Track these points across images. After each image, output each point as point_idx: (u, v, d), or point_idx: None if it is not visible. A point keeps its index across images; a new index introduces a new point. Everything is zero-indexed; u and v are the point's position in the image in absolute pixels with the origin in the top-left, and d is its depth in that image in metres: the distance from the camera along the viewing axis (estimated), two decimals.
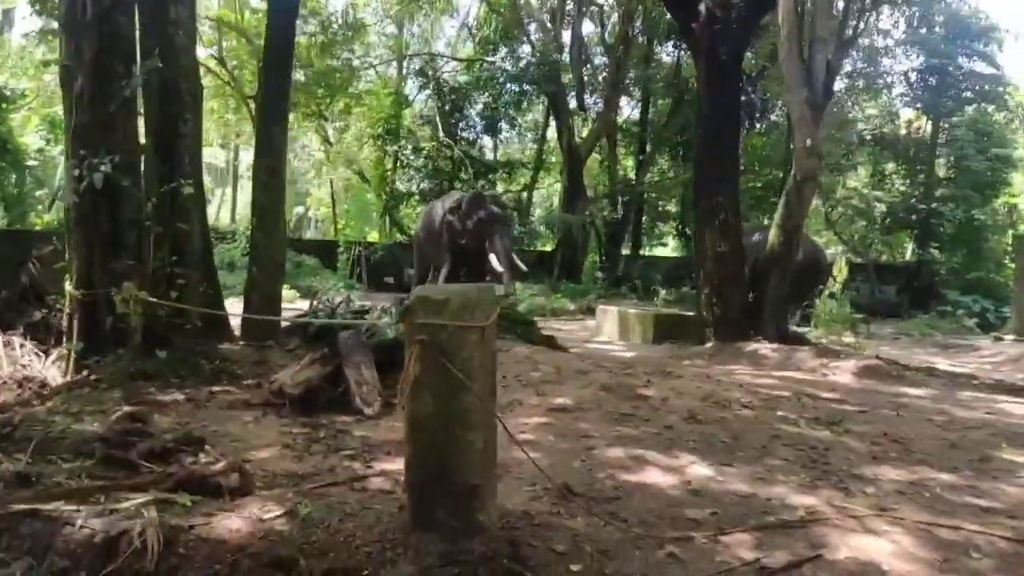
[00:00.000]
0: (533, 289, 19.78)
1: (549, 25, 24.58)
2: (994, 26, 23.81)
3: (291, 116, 22.84)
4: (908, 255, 26.48)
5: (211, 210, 36.48)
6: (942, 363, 12.35)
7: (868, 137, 25.41)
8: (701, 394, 6.12)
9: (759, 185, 21.60)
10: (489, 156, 28.29)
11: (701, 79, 10.44)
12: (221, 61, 20.11)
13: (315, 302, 8.26)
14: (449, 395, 2.96)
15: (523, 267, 13.83)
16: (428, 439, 3.02)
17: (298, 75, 20.74)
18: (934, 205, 22.68)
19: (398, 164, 23.76)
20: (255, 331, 6.97)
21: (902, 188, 25.89)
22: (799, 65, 9.35)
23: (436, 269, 14.44)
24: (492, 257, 13.34)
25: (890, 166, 26.46)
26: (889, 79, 25.96)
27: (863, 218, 25.17)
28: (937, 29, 24.42)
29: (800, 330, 13.18)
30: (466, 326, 3.00)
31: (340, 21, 20.45)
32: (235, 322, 7.59)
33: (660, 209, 27.76)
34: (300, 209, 35.61)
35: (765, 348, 9.39)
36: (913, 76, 25.32)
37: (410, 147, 23.28)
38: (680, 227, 26.94)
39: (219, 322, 6.76)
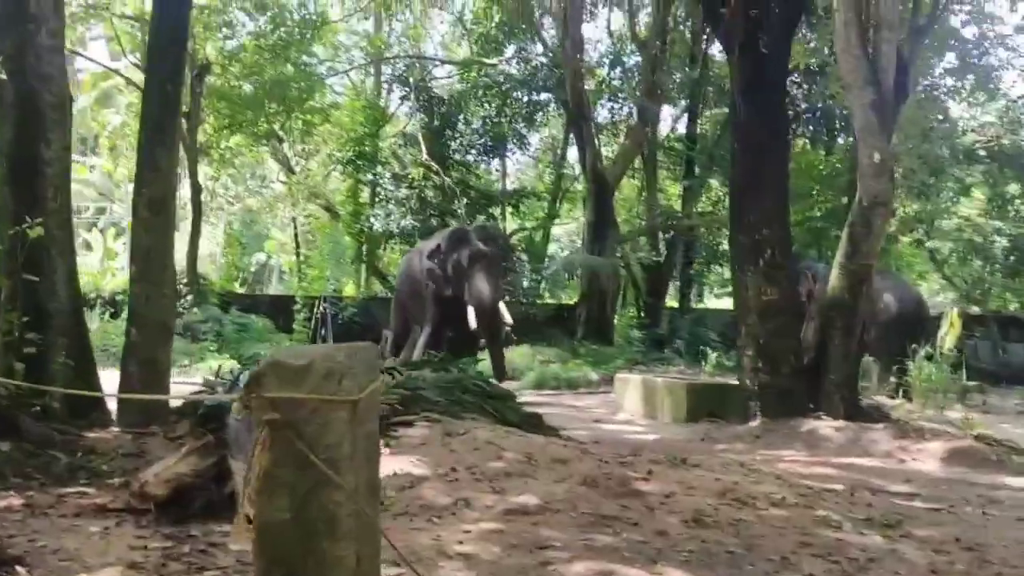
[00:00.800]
0: (546, 354, 19.68)
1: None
2: None
3: (236, 138, 23.45)
4: None
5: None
6: None
7: (982, 152, 25.28)
8: (719, 488, 5.97)
9: (819, 215, 21.36)
10: (497, 184, 28.51)
11: (736, 81, 10.42)
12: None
13: (215, 374, 8.19)
14: (310, 494, 2.85)
15: (508, 320, 13.73)
16: (282, 552, 2.90)
17: (245, 86, 21.12)
18: None
19: (376, 196, 23.92)
20: (134, 413, 6.82)
21: None
22: (861, 59, 9.30)
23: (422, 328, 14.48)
24: (469, 310, 13.33)
25: (1013, 188, 26.26)
26: (1007, 76, 25.94)
27: (979, 256, 24.93)
28: None
29: (890, 402, 13.04)
30: (332, 400, 2.90)
31: (295, 17, 20.76)
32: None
33: (716, 248, 27.62)
34: (261, 256, 35.86)
35: (827, 426, 9.21)
36: None
37: (389, 174, 23.44)
38: None
39: (89, 402, 6.65)
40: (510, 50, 25.01)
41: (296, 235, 31.56)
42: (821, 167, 19.08)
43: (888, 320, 17.54)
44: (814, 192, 17.57)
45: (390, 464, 5.63)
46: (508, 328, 14.04)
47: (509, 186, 32.33)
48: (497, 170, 28.85)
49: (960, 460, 8.27)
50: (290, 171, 28.92)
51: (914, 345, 13.93)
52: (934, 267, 27.38)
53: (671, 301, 26.25)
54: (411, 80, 24.78)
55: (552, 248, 31.75)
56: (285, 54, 20.91)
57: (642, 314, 25.11)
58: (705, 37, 23.61)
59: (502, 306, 13.82)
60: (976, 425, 11.47)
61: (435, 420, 6.32)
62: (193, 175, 21.06)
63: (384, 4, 24.34)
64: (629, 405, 12.18)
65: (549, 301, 27.80)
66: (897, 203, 29.72)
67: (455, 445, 6.02)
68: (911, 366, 13.04)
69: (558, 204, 28.32)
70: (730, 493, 5.88)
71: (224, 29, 19.91)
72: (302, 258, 30.44)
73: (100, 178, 32.04)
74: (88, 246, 28.72)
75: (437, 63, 26.79)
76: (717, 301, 31.70)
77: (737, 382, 10.81)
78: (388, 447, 5.84)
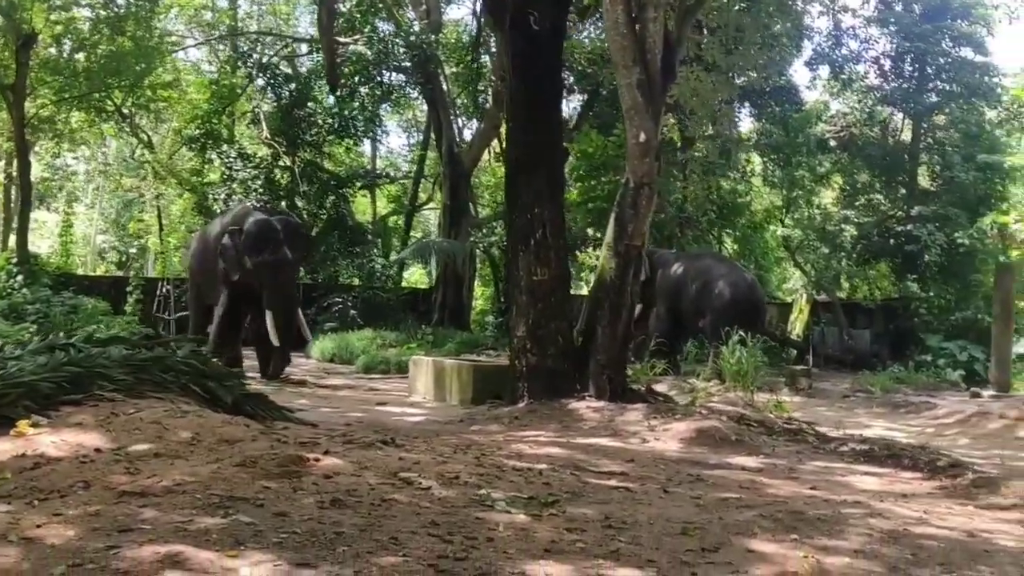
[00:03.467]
0: (387, 338, 19.46)
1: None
2: (979, 1, 24.39)
3: (78, 114, 22.66)
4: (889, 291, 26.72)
5: None
6: (879, 426, 12.45)
7: (832, 143, 25.76)
8: (395, 468, 5.82)
9: (602, 195, 20.64)
10: (359, 167, 28.14)
11: (508, 59, 10.29)
12: None
13: None
14: None
15: (307, 334, 13.59)
16: None
17: (78, 59, 20.38)
18: (910, 227, 22.90)
19: (224, 176, 23.35)
20: None
21: (882, 206, 26.27)
22: (628, 38, 9.24)
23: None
24: (267, 316, 13.04)
25: (863, 178, 26.82)
26: (858, 68, 26.43)
27: (828, 245, 25.42)
28: (915, 7, 24.98)
29: (702, 385, 13.10)
30: None
31: None
32: None
33: (585, 231, 27.64)
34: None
35: (587, 407, 9.17)
36: (887, 64, 25.82)
37: (235, 153, 22.89)
38: None
39: None
40: (364, 32, 24.58)
41: (160, 215, 30.76)
42: (602, 148, 19.06)
43: (721, 305, 17.76)
44: (598, 173, 17.58)
45: (25, 445, 5.34)
46: (308, 339, 13.78)
47: (379, 169, 32.13)
48: (353, 152, 28.41)
49: (701, 440, 8.28)
50: (149, 147, 28.19)
51: (745, 330, 14.10)
52: (787, 254, 27.87)
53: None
54: (250, 56, 24.18)
55: (419, 234, 31.57)
56: (121, 27, 20.17)
57: (501, 299, 24.98)
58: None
59: (300, 316, 13.62)
60: (786, 408, 11.71)
61: (107, 400, 6.02)
62: (21, 151, 20.25)
63: None
64: (421, 388, 12.03)
65: (408, 286, 27.60)
66: (756, 193, 30.44)
67: (115, 425, 5.73)
68: (724, 350, 13.13)
69: (420, 188, 28.02)
70: (403, 473, 5.74)
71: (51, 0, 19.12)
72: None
73: None
74: None
75: (288, 40, 26.22)
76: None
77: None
78: (35, 427, 5.52)
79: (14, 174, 20.91)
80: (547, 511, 5.21)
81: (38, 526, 4.27)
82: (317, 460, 5.80)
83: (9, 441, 5.38)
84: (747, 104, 26.78)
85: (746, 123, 28.79)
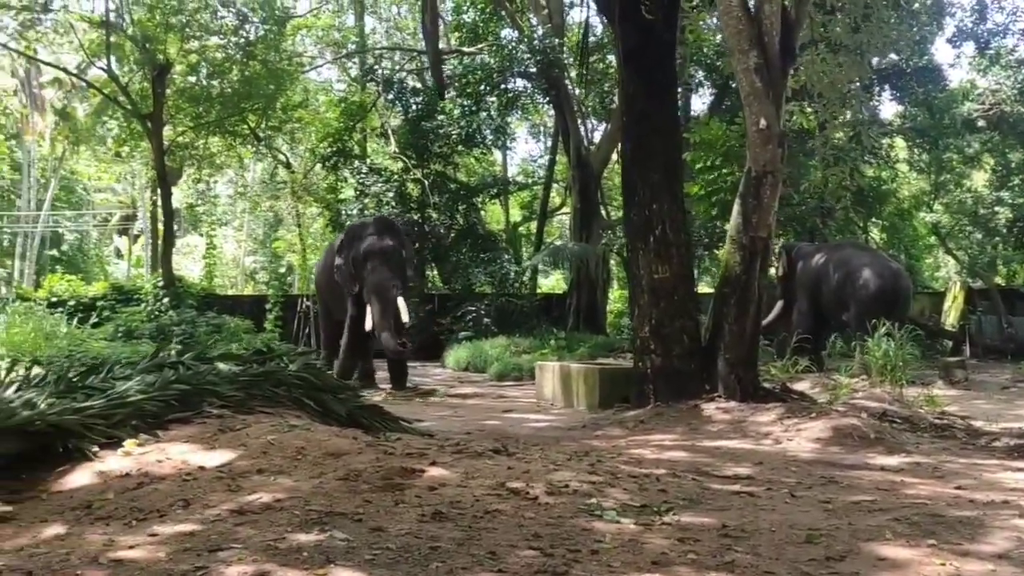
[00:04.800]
0: (521, 344, 19.35)
1: (543, 1, 24.40)
2: None
3: (214, 139, 23.41)
4: None
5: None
6: None
7: (982, 122, 24.44)
8: (503, 478, 5.61)
9: (726, 187, 19.42)
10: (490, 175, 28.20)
11: (618, 50, 9.98)
12: (111, 74, 20.41)
13: None
14: None
15: (405, 317, 13.26)
16: None
17: (212, 86, 21.02)
18: None
19: (357, 192, 23.70)
20: None
21: None
22: (744, 20, 8.83)
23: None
24: (368, 308, 12.97)
25: (1016, 157, 25.41)
26: (1005, 42, 25.08)
27: (981, 229, 24.13)
28: None
29: (848, 380, 12.50)
30: None
31: (259, 13, 20.55)
32: None
33: (716, 229, 27.05)
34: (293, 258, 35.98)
35: (716, 408, 8.80)
36: None
37: (366, 168, 23.22)
38: None
39: None
40: (488, 40, 24.66)
41: (300, 234, 31.54)
42: (723, 138, 18.28)
43: (865, 297, 16.98)
44: (717, 163, 16.85)
45: (131, 465, 5.34)
46: (405, 321, 13.49)
47: (511, 177, 32.18)
48: (485, 161, 28.49)
49: (838, 440, 7.82)
50: (287, 167, 28.93)
51: (892, 321, 13.45)
52: (937, 241, 26.62)
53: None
54: (375, 71, 24.51)
55: (555, 240, 31.45)
56: (252, 52, 20.74)
57: None
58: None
59: (401, 302, 13.29)
60: (940, 403, 11.06)
61: (216, 416, 6.00)
62: (162, 178, 21.00)
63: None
64: (548, 393, 11.81)
65: (542, 291, 27.51)
66: (902, 179, 29.22)
67: (221, 442, 5.69)
68: (870, 343, 12.50)
69: (551, 193, 27.91)
70: (511, 483, 5.52)
71: (186, 29, 19.76)
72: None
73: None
74: None
75: (414, 53, 26.47)
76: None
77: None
78: (142, 446, 5.53)
79: (159, 201, 21.62)
80: (660, 520, 4.92)
81: (131, 547, 4.23)
82: (423, 471, 5.65)
83: (116, 461, 5.40)
84: (887, 87, 25.83)
85: (889, 107, 27.73)
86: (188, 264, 37.73)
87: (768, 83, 8.82)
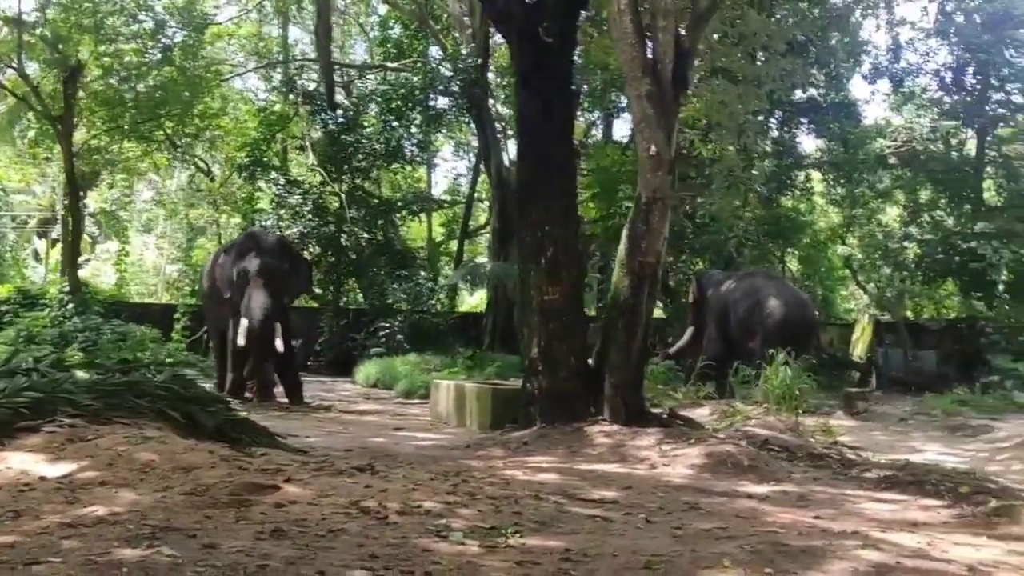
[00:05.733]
0: (432, 363, 19.27)
1: (467, 20, 24.42)
2: None
3: (127, 143, 22.97)
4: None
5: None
6: (931, 451, 11.84)
7: (894, 159, 25.01)
8: (357, 496, 5.55)
9: (621, 211, 18.99)
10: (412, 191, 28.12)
11: (517, 70, 10.01)
12: (21, 74, 19.96)
13: None
14: None
15: (279, 345, 13.09)
16: None
17: (125, 87, 20.66)
18: (975, 244, 22.05)
19: (274, 203, 23.47)
20: None
21: (946, 223, 25.44)
22: (638, 47, 8.91)
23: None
24: (241, 323, 12.77)
25: (926, 194, 26.06)
26: (919, 81, 25.80)
27: (891, 264, 24.63)
28: (976, 17, 24.23)
29: (745, 407, 12.62)
30: None
31: (178, 18, 20.25)
32: None
33: (611, 253, 27.17)
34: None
35: (599, 431, 8.79)
36: (948, 76, 25.11)
37: (283, 180, 23.00)
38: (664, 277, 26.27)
39: None
40: (411, 56, 24.64)
41: (220, 243, 31.11)
42: (619, 163, 18.45)
43: (772, 325, 17.21)
44: (614, 187, 17.02)
45: None
46: (278, 350, 13.31)
47: (437, 194, 32.15)
48: (410, 177, 28.43)
49: (712, 467, 7.84)
50: (208, 175, 28.56)
51: (796, 351, 13.62)
52: (849, 273, 27.12)
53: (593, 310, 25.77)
54: (300, 83, 24.38)
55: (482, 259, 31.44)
56: (169, 58, 20.42)
57: None
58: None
59: (277, 327, 13.13)
60: (834, 432, 11.20)
61: (68, 426, 5.84)
62: (70, 181, 20.56)
63: (281, 6, 23.95)
64: (442, 412, 11.75)
65: (464, 310, 27.47)
66: (820, 210, 29.77)
67: (67, 452, 5.54)
68: (768, 371, 12.64)
69: (473, 211, 27.91)
70: (365, 502, 5.46)
71: (100, 31, 19.37)
72: None
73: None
74: None
75: (338, 67, 26.33)
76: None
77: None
78: None
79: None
80: (505, 542, 4.88)
81: None
82: (275, 488, 5.55)
83: None
84: (804, 121, 26.35)
85: (808, 142, 28.31)
86: (108, 270, 36.99)
87: (660, 110, 8.89)
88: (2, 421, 5.61)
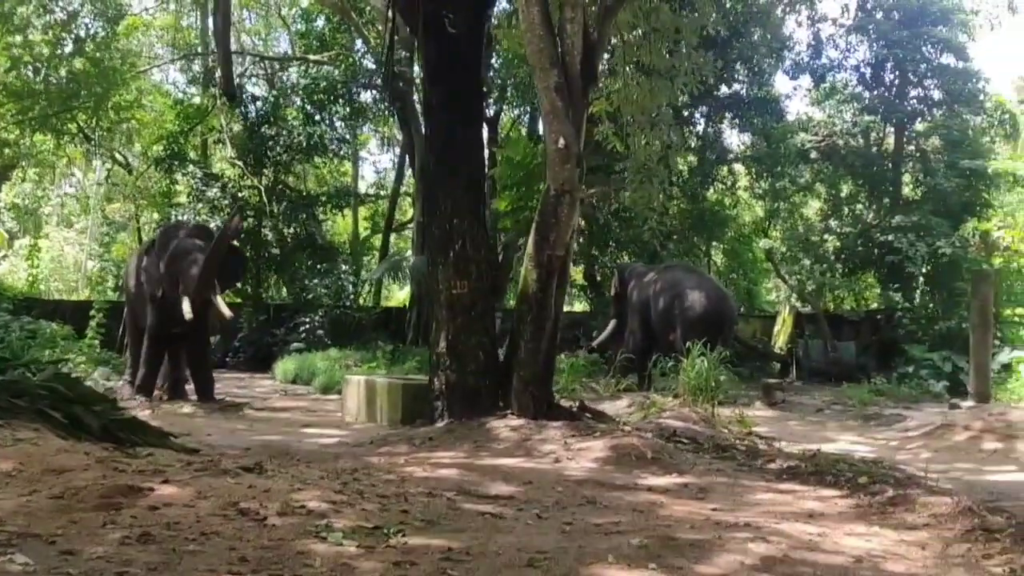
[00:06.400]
0: (353, 357, 19.03)
1: (390, 13, 24.05)
2: (958, 7, 23.96)
3: (38, 136, 22.35)
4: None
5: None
6: (844, 440, 11.97)
7: (815, 153, 25.25)
8: (237, 496, 5.35)
9: (532, 205, 19.50)
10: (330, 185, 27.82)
11: (424, 64, 9.86)
12: None
13: None
14: None
15: (225, 312, 12.73)
16: None
17: (36, 79, 20.08)
18: (890, 237, 22.38)
19: (192, 196, 23.02)
20: None
21: (866, 216, 25.80)
22: (546, 39, 8.79)
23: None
24: (184, 302, 12.37)
25: (846, 188, 26.40)
26: (839, 77, 26.12)
27: (811, 256, 24.90)
28: (894, 14, 24.53)
29: (660, 399, 12.62)
30: None
31: (90, 8, 19.70)
32: None
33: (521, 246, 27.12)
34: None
35: (506, 426, 8.68)
36: (867, 72, 25.43)
37: (201, 173, 22.57)
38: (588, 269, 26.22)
39: None
40: (332, 50, 24.27)
41: (140, 238, 30.45)
42: (530, 156, 18.41)
43: (692, 318, 17.30)
44: (527, 181, 16.93)
45: None
46: (228, 319, 13.01)
47: (366, 188, 31.82)
48: (336, 171, 28.11)
49: (616, 459, 7.78)
50: (126, 169, 27.94)
51: (715, 343, 13.69)
52: (771, 266, 27.37)
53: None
54: (216, 76, 23.92)
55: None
56: (80, 49, 19.87)
57: None
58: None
59: (218, 300, 12.68)
60: (750, 423, 11.25)
61: None
62: None
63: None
64: (353, 408, 11.55)
65: (390, 304, 27.21)
66: (744, 204, 30.02)
67: None
68: (685, 362, 12.67)
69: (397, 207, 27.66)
70: (244, 503, 5.26)
71: (9, 22, 18.78)
72: None
73: None
74: None
75: (256, 59, 25.92)
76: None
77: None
78: None
79: None
80: (385, 543, 4.73)
81: None
82: (151, 490, 5.33)
83: None
84: (728, 115, 26.60)
85: (732, 136, 28.60)
86: (24, 266, 36.03)
87: (569, 103, 8.79)
88: None
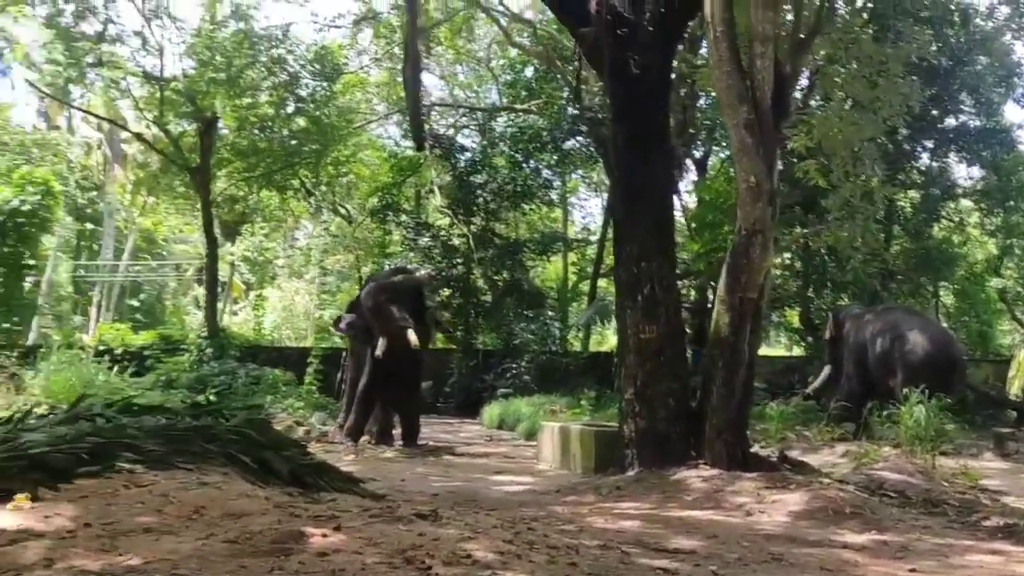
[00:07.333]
0: (558, 403, 18.99)
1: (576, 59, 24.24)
2: None
3: (266, 193, 23.73)
4: None
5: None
6: None
7: None
8: (403, 546, 5.30)
9: (724, 245, 18.40)
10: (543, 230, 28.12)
11: (610, 105, 9.71)
12: (162, 128, 20.83)
13: None
14: None
15: (413, 340, 12.59)
16: None
17: (260, 137, 21.30)
18: None
19: (405, 246, 23.81)
20: None
21: None
22: (734, 75, 8.52)
23: None
24: (379, 341, 12.56)
25: None
26: None
27: None
28: None
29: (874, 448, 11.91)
30: None
31: (307, 66, 20.81)
32: None
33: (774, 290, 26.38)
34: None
35: (697, 476, 8.34)
36: None
37: (414, 223, 23.30)
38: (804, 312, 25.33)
39: None
40: (540, 98, 24.64)
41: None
42: (722, 195, 17.62)
43: (915, 362, 16.30)
44: (719, 221, 16.23)
45: (16, 520, 5.16)
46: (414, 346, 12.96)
47: (575, 233, 32.02)
48: (547, 217, 28.39)
49: (812, 513, 7.32)
50: (348, 221, 29.20)
51: (941, 390, 12.86)
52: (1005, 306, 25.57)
53: None
54: (429, 128, 24.72)
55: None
56: (303, 109, 21.01)
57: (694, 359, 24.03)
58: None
59: (411, 334, 12.63)
60: (976, 476, 10.45)
61: (128, 471, 5.81)
62: (208, 229, 21.29)
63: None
64: (548, 455, 11.44)
65: (593, 351, 27.13)
66: (975, 241, 28.25)
67: (120, 498, 5.50)
68: (903, 410, 11.93)
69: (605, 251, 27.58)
70: (411, 552, 5.22)
71: (236, 85, 20.09)
72: None
73: None
74: None
75: (465, 110, 26.62)
76: (774, 349, 30.35)
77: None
78: (35, 501, 5.35)
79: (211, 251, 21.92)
80: None
81: None
82: (324, 536, 5.38)
83: (2, 516, 5.23)
84: (954, 148, 25.24)
85: (959, 170, 27.09)
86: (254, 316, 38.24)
87: (759, 139, 8.46)
88: (60, 468, 5.60)
